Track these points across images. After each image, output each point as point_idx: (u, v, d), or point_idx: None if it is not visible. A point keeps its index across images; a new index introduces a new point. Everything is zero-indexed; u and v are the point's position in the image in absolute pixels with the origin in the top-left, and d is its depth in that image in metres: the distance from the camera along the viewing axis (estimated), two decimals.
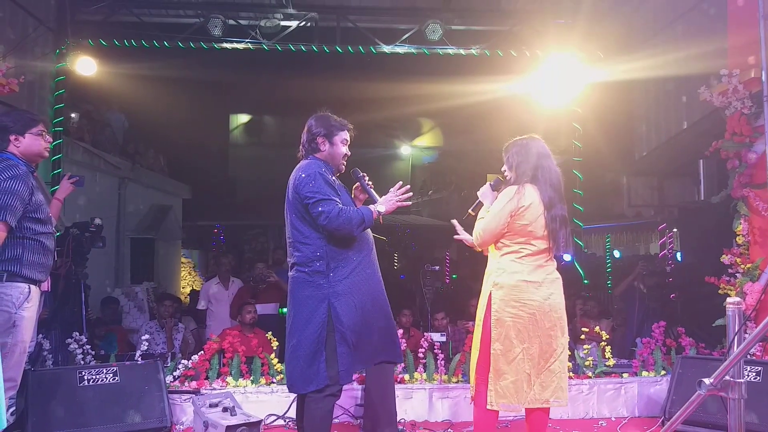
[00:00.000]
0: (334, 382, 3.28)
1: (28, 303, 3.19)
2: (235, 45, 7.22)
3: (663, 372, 4.86)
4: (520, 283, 3.22)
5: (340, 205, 3.29)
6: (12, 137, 3.29)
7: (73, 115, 8.78)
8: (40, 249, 3.27)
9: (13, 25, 6.26)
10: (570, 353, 4.52)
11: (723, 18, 5.11)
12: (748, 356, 4.24)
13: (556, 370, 3.25)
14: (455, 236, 3.66)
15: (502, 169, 3.47)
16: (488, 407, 3.18)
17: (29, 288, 3.21)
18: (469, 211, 3.57)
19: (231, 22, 7.17)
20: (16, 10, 6.26)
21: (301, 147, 3.56)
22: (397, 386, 4.48)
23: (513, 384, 3.18)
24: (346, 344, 3.29)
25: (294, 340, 3.32)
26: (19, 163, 3.24)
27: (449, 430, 4.41)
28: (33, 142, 3.34)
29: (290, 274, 3.46)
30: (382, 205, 3.43)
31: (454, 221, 3.69)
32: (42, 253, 3.28)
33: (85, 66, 6.92)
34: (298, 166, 3.49)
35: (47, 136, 3.44)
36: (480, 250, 3.46)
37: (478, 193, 3.53)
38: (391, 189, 3.47)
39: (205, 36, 7.10)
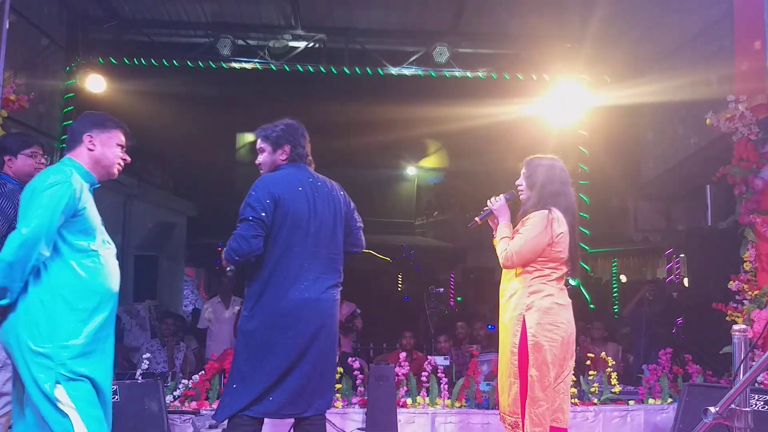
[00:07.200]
0: None
1: None
2: (244, 65, 7.28)
3: (670, 399, 4.79)
4: (554, 306, 3.13)
5: None
6: (6, 158, 3.43)
7: None
8: None
9: (25, 43, 6.32)
10: (575, 379, 4.46)
11: (730, 44, 5.12)
12: (756, 385, 4.18)
13: (559, 391, 3.18)
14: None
15: (517, 183, 3.37)
16: None
17: None
18: (476, 219, 3.44)
19: (240, 42, 7.24)
20: (29, 28, 6.33)
21: (308, 157, 3.54)
22: (399, 410, 4.44)
23: (547, 411, 3.07)
24: None
25: (333, 357, 3.24)
26: (9, 181, 3.36)
27: None
28: (24, 163, 3.45)
29: (332, 293, 3.21)
30: None
31: None
32: None
33: (95, 83, 6.98)
34: (331, 181, 3.42)
35: (40, 158, 3.51)
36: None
37: (492, 207, 3.38)
38: None
39: (214, 55, 7.17)
